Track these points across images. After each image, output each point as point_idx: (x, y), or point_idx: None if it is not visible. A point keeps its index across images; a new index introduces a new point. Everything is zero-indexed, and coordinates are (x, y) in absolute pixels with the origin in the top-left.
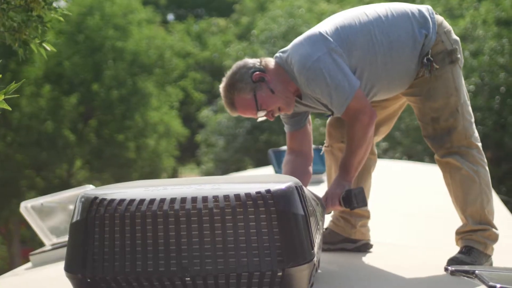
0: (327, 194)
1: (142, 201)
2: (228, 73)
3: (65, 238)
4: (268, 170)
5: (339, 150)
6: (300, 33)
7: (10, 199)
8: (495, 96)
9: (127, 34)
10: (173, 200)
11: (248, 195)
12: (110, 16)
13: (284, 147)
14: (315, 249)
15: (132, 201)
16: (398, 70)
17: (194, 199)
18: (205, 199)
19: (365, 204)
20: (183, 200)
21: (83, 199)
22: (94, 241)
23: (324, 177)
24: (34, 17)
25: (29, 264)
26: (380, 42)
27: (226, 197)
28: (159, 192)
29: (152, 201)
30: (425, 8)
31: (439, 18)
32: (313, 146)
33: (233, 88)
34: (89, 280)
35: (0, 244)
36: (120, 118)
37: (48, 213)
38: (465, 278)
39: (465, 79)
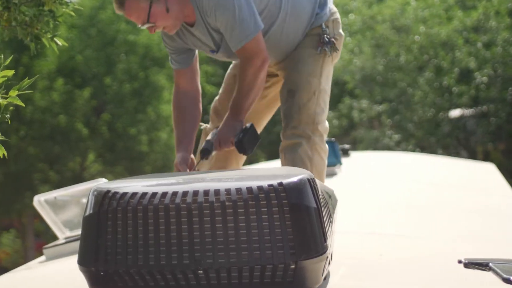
0: (218, 136)
1: (154, 194)
2: None
3: (78, 231)
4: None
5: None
6: None
7: (24, 193)
8: (508, 88)
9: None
10: (185, 193)
11: (260, 188)
12: None
13: None
14: (328, 241)
15: (144, 194)
16: (288, 33)
17: (206, 192)
18: (217, 192)
19: (257, 141)
20: (195, 193)
21: (95, 193)
22: (107, 235)
23: (338, 169)
24: (46, 12)
25: (42, 258)
26: (287, 1)
27: (238, 190)
28: (172, 185)
29: (164, 194)
30: None
31: (334, 8)
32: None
33: None
34: (102, 273)
35: (14, 238)
36: (132, 111)
37: (61, 207)
38: (480, 270)
39: (477, 70)
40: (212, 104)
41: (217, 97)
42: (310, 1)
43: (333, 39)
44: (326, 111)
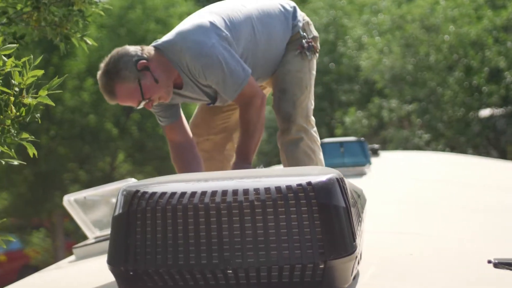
0: None
1: (183, 194)
2: (108, 60)
3: (108, 231)
4: None
5: (205, 142)
6: (341, 25)
7: (54, 192)
8: None
9: (168, 27)
10: (214, 193)
11: (289, 187)
12: (152, 10)
13: (327, 140)
14: (357, 241)
15: (173, 194)
16: (273, 57)
17: (235, 192)
18: (246, 191)
19: None
20: (224, 193)
21: (124, 193)
22: (136, 234)
23: (367, 169)
24: (75, 12)
25: (72, 257)
26: (261, 32)
27: (267, 190)
28: (200, 185)
29: (193, 194)
30: (289, 2)
31: (302, 12)
32: (355, 138)
33: (116, 76)
34: (131, 273)
35: (45, 237)
36: None
37: (91, 206)
38: (510, 271)
39: (507, 70)
40: (191, 121)
41: (192, 119)
42: (281, 20)
43: (312, 43)
44: (312, 108)
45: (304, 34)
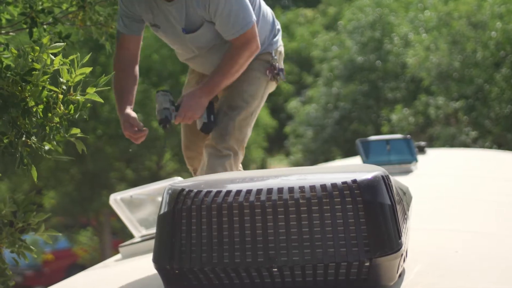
0: (184, 108)
1: (228, 192)
2: None
3: (154, 230)
4: (356, 160)
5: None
6: (387, 23)
7: (101, 191)
8: None
9: None
10: (259, 191)
11: (334, 185)
12: None
13: (373, 137)
14: (403, 238)
15: (218, 192)
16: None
17: (280, 190)
18: (291, 190)
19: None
20: (269, 191)
21: (170, 191)
22: (182, 233)
23: (413, 166)
24: None
25: (118, 256)
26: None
27: (313, 188)
28: (246, 183)
29: (238, 192)
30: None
31: (281, 41)
32: (401, 135)
33: None
34: (177, 271)
35: (92, 236)
36: None
37: (137, 205)
38: None
39: None
40: (183, 147)
41: (182, 144)
42: (268, 30)
43: (281, 70)
44: (250, 134)
45: (276, 58)
